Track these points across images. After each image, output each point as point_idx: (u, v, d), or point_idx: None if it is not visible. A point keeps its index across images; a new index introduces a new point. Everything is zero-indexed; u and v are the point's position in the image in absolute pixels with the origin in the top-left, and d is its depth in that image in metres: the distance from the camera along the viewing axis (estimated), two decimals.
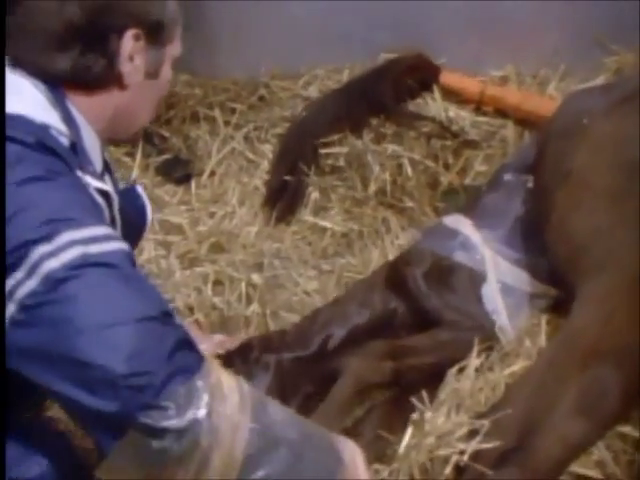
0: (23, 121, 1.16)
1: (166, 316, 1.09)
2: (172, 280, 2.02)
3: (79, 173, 1.20)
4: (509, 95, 2.41)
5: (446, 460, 1.40)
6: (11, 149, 1.12)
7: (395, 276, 1.83)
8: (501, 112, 2.40)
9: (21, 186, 1.10)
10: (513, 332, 1.71)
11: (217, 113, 2.47)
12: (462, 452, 1.39)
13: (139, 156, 2.31)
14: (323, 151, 2.30)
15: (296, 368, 1.70)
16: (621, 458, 1.47)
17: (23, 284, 1.06)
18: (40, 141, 1.14)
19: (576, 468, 1.46)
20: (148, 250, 2.11)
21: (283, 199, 2.25)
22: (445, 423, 1.44)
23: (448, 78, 2.46)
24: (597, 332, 1.42)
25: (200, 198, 2.28)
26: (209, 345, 1.72)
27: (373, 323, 1.78)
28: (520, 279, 1.80)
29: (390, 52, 2.50)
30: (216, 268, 2.03)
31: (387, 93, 2.39)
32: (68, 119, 1.23)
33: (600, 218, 1.60)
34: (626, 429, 1.47)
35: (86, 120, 1.27)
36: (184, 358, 1.06)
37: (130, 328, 1.05)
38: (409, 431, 1.46)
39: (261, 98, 2.53)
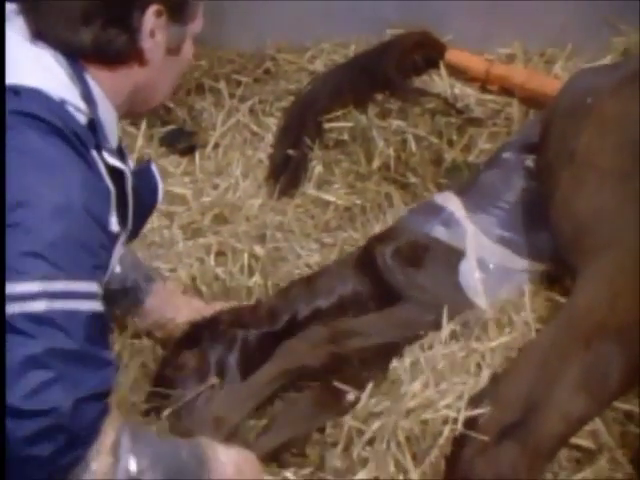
0: (40, 96, 1.17)
1: (90, 398, 1.12)
2: (175, 250, 2.04)
3: (94, 153, 1.21)
4: (515, 74, 2.42)
5: (439, 432, 1.44)
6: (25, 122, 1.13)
7: (366, 254, 1.85)
8: (507, 91, 2.41)
9: (25, 175, 1.11)
10: (490, 308, 1.72)
11: (222, 85, 2.48)
12: (453, 420, 1.43)
13: (143, 126, 2.32)
14: (327, 125, 2.31)
15: (262, 344, 1.71)
16: (614, 429, 1.51)
17: None
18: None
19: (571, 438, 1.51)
20: (151, 220, 2.12)
21: (286, 173, 2.27)
22: (425, 391, 1.48)
23: (454, 56, 2.47)
24: (601, 310, 1.44)
25: (204, 169, 2.29)
26: (188, 311, 1.77)
27: (340, 302, 1.79)
28: (503, 256, 1.81)
29: (396, 28, 2.51)
30: (219, 239, 2.04)
31: (392, 69, 2.40)
32: (87, 95, 1.24)
33: (605, 198, 1.62)
34: (617, 401, 1.51)
35: (105, 95, 1.28)
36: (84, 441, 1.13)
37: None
38: (367, 391, 1.55)
39: (267, 71, 2.54)
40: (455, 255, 1.81)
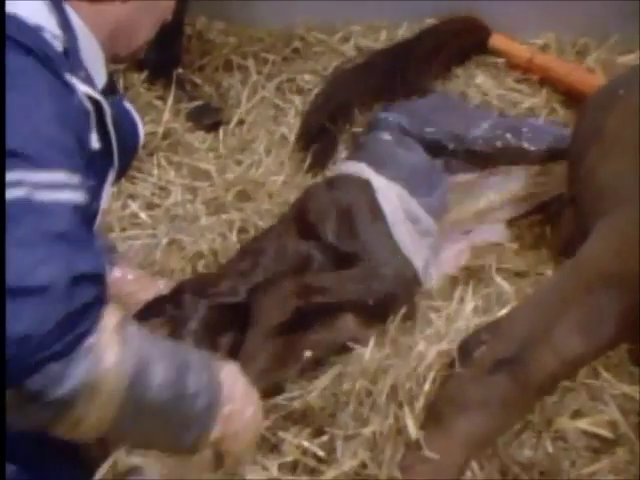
0: (16, 21, 1.17)
1: (82, 279, 1.06)
2: (197, 225, 2.05)
3: (67, 76, 1.19)
4: (557, 66, 2.43)
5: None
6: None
7: (305, 227, 1.85)
8: (546, 81, 2.42)
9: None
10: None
11: (250, 63, 2.49)
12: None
13: (170, 101, 2.33)
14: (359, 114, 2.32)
15: (224, 314, 1.70)
16: (632, 419, 1.51)
17: None
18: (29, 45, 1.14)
19: (587, 426, 1.50)
20: (175, 194, 2.15)
21: (315, 148, 2.26)
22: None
23: (498, 41, 2.48)
24: (607, 258, 1.44)
25: (228, 146, 2.29)
26: (154, 289, 1.73)
27: (291, 269, 1.79)
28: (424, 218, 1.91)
29: (432, 15, 2.51)
30: (242, 216, 2.05)
31: (436, 56, 2.41)
32: (65, 24, 1.25)
33: (625, 164, 1.62)
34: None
35: (87, 29, 1.28)
36: (81, 323, 1.06)
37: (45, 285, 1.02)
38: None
39: (295, 50, 2.54)
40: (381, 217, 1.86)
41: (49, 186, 1.08)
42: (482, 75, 2.45)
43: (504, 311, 1.65)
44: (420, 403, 1.45)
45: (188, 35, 2.56)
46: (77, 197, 1.12)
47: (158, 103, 2.35)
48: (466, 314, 1.66)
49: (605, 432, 1.49)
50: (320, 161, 2.24)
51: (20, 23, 1.18)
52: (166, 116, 2.29)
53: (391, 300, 1.74)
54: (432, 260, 1.92)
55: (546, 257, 1.90)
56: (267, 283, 1.73)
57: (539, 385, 1.41)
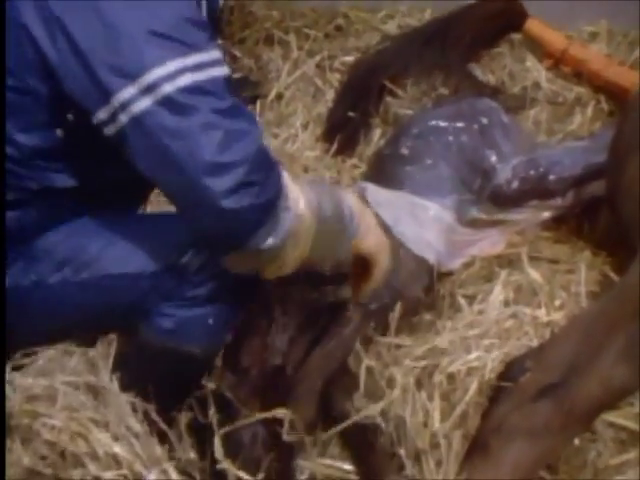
0: None
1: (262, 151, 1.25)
2: None
3: None
4: (592, 59, 2.34)
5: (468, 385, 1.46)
6: None
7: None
8: (579, 74, 2.36)
9: None
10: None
11: (292, 38, 2.48)
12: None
13: None
14: (389, 99, 2.30)
15: None
16: None
17: (137, 100, 1.19)
18: None
19: (617, 419, 1.49)
20: None
21: (344, 131, 2.25)
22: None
23: (534, 27, 2.40)
24: None
25: (265, 119, 2.28)
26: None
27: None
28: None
29: None
30: None
31: (467, 37, 2.37)
32: None
33: None
34: None
35: None
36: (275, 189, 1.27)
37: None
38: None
39: (338, 27, 2.52)
40: None
41: (205, 65, 1.22)
42: (532, 58, 2.40)
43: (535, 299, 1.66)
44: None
45: (230, 7, 2.55)
46: (226, 69, 1.28)
47: None
48: (497, 304, 1.66)
49: (633, 424, 1.48)
50: (346, 148, 2.23)
51: None
52: None
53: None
54: (453, 245, 1.88)
55: (580, 249, 1.87)
56: None
57: (584, 412, 1.39)
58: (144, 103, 1.19)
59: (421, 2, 2.51)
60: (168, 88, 1.18)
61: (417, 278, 1.78)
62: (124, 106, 1.20)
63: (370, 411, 1.47)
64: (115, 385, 1.40)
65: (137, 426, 1.32)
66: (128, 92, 1.19)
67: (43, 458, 1.22)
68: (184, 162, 1.19)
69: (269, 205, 1.25)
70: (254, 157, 1.22)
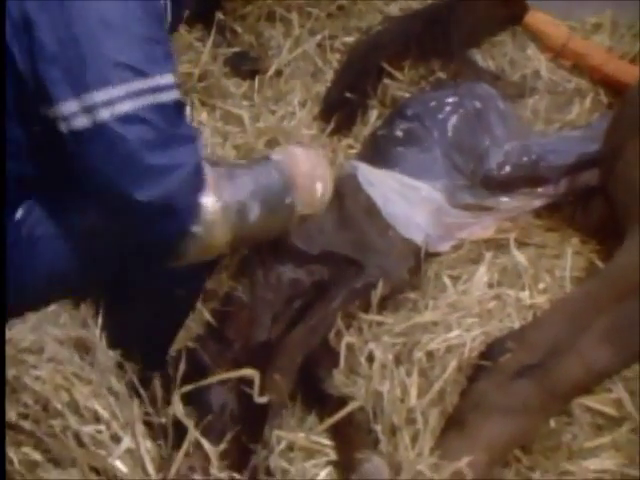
0: None
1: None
2: None
3: None
4: (593, 53, 2.33)
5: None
6: None
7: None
8: (579, 68, 2.36)
9: None
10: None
11: (294, 16, 2.47)
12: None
13: (209, 44, 2.32)
14: (387, 81, 2.29)
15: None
16: (638, 400, 1.50)
17: (77, 117, 1.22)
18: None
19: (593, 403, 1.49)
20: (205, 136, 2.15)
21: (341, 111, 2.25)
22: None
23: (535, 19, 2.40)
24: (638, 270, 1.44)
25: (263, 95, 2.28)
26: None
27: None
28: None
29: None
30: None
31: (466, 24, 2.37)
32: None
33: None
34: None
35: None
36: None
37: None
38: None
39: (340, 7, 2.51)
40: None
41: (150, 91, 1.23)
42: (534, 47, 2.40)
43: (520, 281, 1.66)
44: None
45: None
46: (176, 95, 1.27)
47: (197, 45, 2.34)
48: (480, 285, 1.67)
49: (610, 410, 1.48)
50: (342, 128, 2.23)
51: None
52: (204, 58, 2.29)
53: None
54: (443, 227, 1.89)
55: (569, 236, 1.88)
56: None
57: (564, 393, 1.40)
58: (82, 122, 1.22)
59: None
60: (105, 114, 1.20)
61: (404, 259, 1.79)
62: (65, 118, 1.22)
63: (349, 387, 1.49)
64: (103, 343, 1.42)
65: (118, 386, 1.33)
66: (71, 106, 1.22)
67: (26, 407, 1.24)
68: (108, 186, 1.24)
69: (180, 232, 1.33)
70: (176, 192, 1.26)
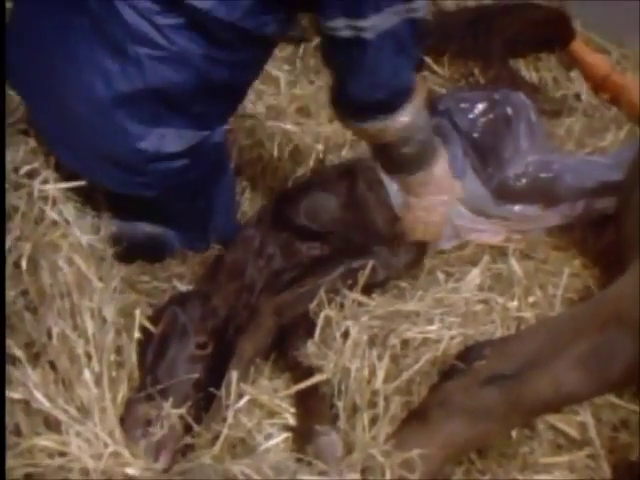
0: None
1: None
2: None
3: None
4: (631, 90, 2.29)
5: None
6: None
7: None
8: (616, 101, 2.31)
9: None
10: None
11: None
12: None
13: None
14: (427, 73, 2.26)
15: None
16: (605, 430, 1.46)
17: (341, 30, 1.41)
18: None
19: (557, 422, 1.46)
20: None
21: None
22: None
23: (579, 48, 2.36)
24: (627, 302, 1.38)
25: (305, 63, 2.26)
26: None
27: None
28: None
29: None
30: (297, 130, 2.03)
31: (511, 33, 2.31)
32: None
33: None
34: (619, 402, 1.47)
35: None
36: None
37: None
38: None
39: None
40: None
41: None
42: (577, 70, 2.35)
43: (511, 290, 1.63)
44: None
45: None
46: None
47: None
48: (471, 286, 1.64)
49: (573, 432, 1.45)
50: None
51: None
52: None
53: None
54: (453, 227, 1.84)
55: (572, 258, 1.83)
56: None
57: (529, 408, 1.37)
58: (346, 34, 1.40)
59: None
60: (368, 34, 1.40)
61: (405, 251, 1.75)
62: (332, 29, 1.41)
63: (320, 360, 1.46)
64: (110, 251, 1.52)
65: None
66: (339, 23, 1.40)
67: None
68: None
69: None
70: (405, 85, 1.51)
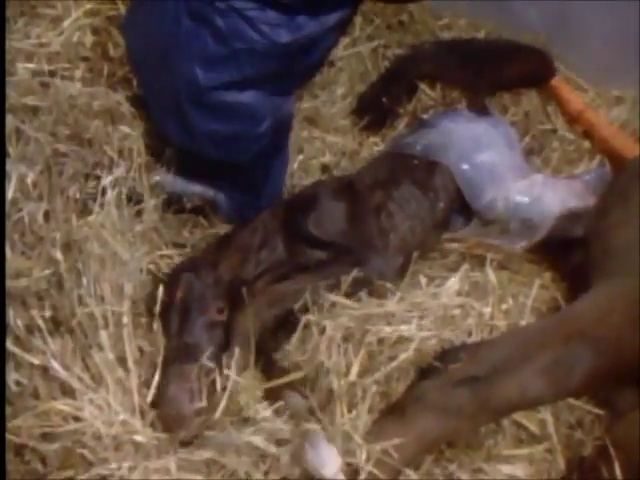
0: None
1: None
2: None
3: None
4: (602, 126, 2.35)
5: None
6: None
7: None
8: (588, 135, 2.36)
9: None
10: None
11: (358, 19, 2.46)
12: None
13: None
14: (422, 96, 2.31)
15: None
16: (561, 427, 1.52)
17: None
18: None
19: (520, 418, 1.53)
20: None
21: (373, 113, 2.26)
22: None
23: (558, 84, 2.42)
24: (591, 318, 1.46)
25: (311, 80, 2.31)
26: None
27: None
28: None
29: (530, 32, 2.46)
30: (303, 134, 2.09)
31: (497, 69, 2.38)
32: None
33: (637, 235, 1.63)
34: (577, 403, 1.53)
35: None
36: None
37: None
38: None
39: (400, 22, 2.50)
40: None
41: None
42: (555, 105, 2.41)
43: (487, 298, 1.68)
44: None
45: None
46: None
47: None
48: (450, 292, 1.69)
49: (534, 427, 1.51)
50: (372, 127, 2.24)
51: None
52: None
53: None
54: None
55: (543, 271, 1.90)
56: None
57: (495, 408, 1.43)
58: None
59: (479, 21, 2.51)
60: None
61: (394, 259, 1.80)
62: None
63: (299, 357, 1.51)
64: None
65: None
66: None
67: None
68: None
69: None
70: None
